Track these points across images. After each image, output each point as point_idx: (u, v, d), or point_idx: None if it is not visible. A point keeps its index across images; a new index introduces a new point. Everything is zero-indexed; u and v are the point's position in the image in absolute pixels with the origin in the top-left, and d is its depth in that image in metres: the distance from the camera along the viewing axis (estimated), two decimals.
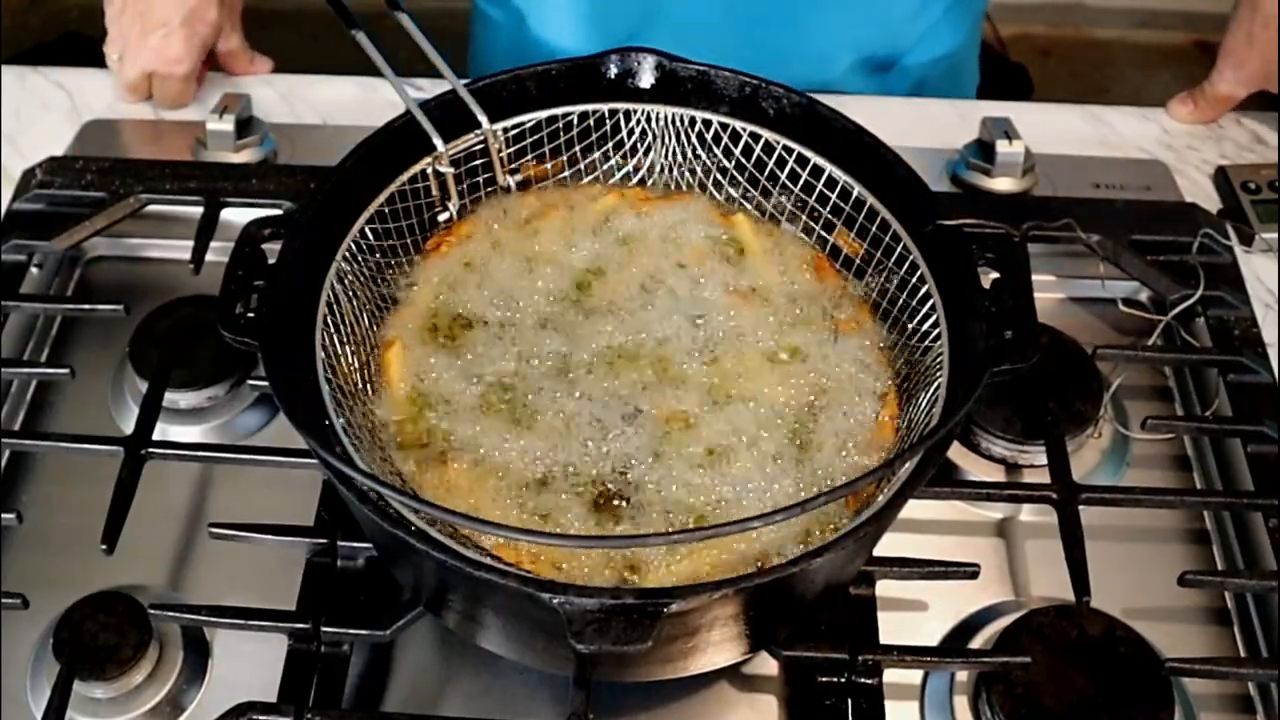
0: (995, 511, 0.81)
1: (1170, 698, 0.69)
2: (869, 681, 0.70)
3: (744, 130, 0.76)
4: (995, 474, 0.82)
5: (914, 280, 0.71)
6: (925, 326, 0.70)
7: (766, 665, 0.73)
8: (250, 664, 0.73)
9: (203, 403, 0.84)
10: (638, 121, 0.78)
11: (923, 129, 1.02)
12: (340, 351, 0.68)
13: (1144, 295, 0.93)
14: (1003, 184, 0.97)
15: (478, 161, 0.76)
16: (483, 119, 0.75)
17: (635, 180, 0.80)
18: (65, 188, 0.94)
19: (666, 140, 0.78)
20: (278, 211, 0.89)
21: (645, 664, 0.66)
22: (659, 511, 0.65)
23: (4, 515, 0.75)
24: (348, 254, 0.70)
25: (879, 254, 0.73)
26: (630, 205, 0.79)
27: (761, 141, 0.76)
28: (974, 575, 0.73)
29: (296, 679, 0.70)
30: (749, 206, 0.78)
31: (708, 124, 0.77)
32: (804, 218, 0.77)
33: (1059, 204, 0.93)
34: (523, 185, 0.79)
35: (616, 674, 0.70)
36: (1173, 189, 0.98)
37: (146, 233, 0.95)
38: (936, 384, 0.66)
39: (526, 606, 0.59)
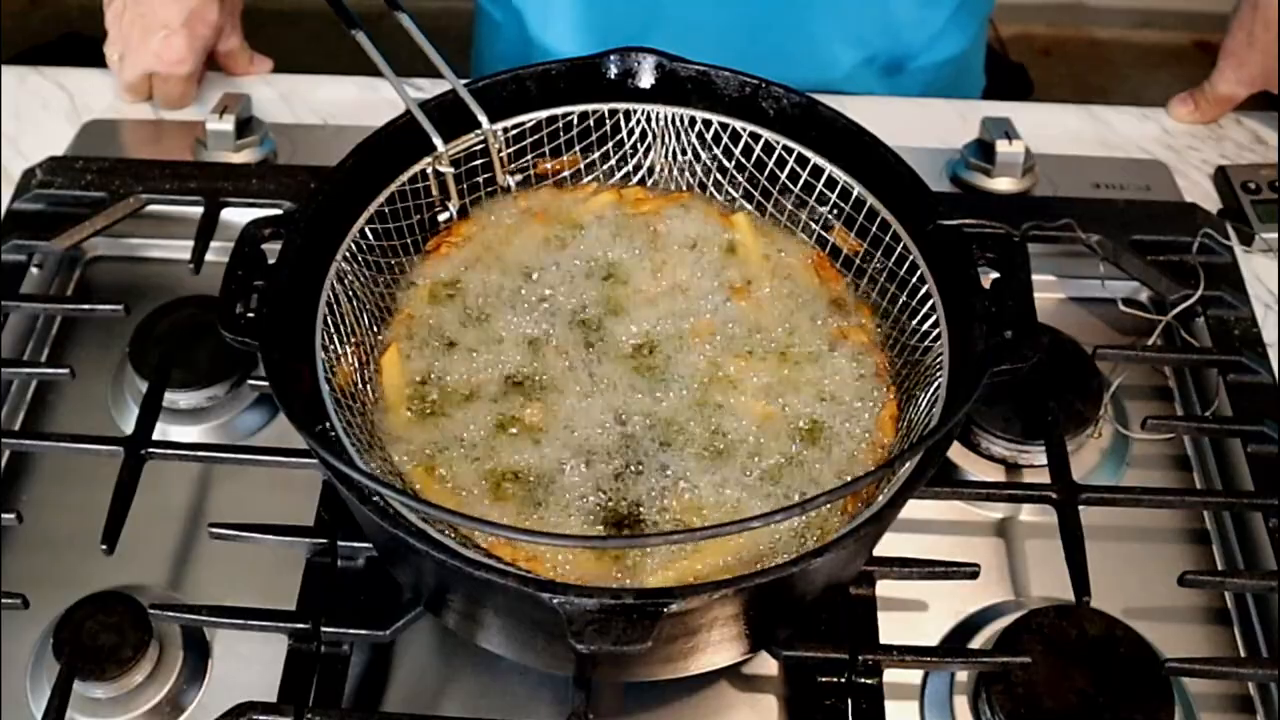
0: (995, 511, 0.81)
1: (1170, 698, 0.69)
2: (869, 681, 0.70)
3: (744, 130, 0.76)
4: (995, 474, 0.82)
5: (914, 280, 0.71)
6: (925, 326, 0.70)
7: (766, 665, 0.73)
8: (250, 664, 0.73)
9: (203, 403, 0.84)
10: (638, 121, 0.78)
11: (923, 129, 1.02)
12: (340, 352, 0.68)
13: (1144, 295, 0.93)
14: (1003, 184, 0.97)
15: (478, 161, 0.76)
16: (483, 119, 0.75)
17: (635, 180, 0.80)
18: (65, 188, 0.94)
19: (666, 140, 0.78)
20: (278, 211, 0.89)
21: (645, 664, 0.66)
22: (658, 512, 0.65)
23: (4, 515, 0.75)
24: (348, 254, 0.70)
25: (879, 254, 0.73)
26: (630, 205, 0.79)
27: (761, 141, 0.76)
28: (974, 575, 0.73)
29: (296, 679, 0.70)
30: (749, 206, 0.78)
31: (708, 124, 0.77)
32: (804, 218, 0.77)
33: (1059, 204, 0.93)
34: (523, 185, 0.79)
35: (616, 674, 0.70)
36: (1173, 189, 0.98)
37: (146, 233, 0.95)
38: (936, 384, 0.66)
39: (526, 606, 0.59)
